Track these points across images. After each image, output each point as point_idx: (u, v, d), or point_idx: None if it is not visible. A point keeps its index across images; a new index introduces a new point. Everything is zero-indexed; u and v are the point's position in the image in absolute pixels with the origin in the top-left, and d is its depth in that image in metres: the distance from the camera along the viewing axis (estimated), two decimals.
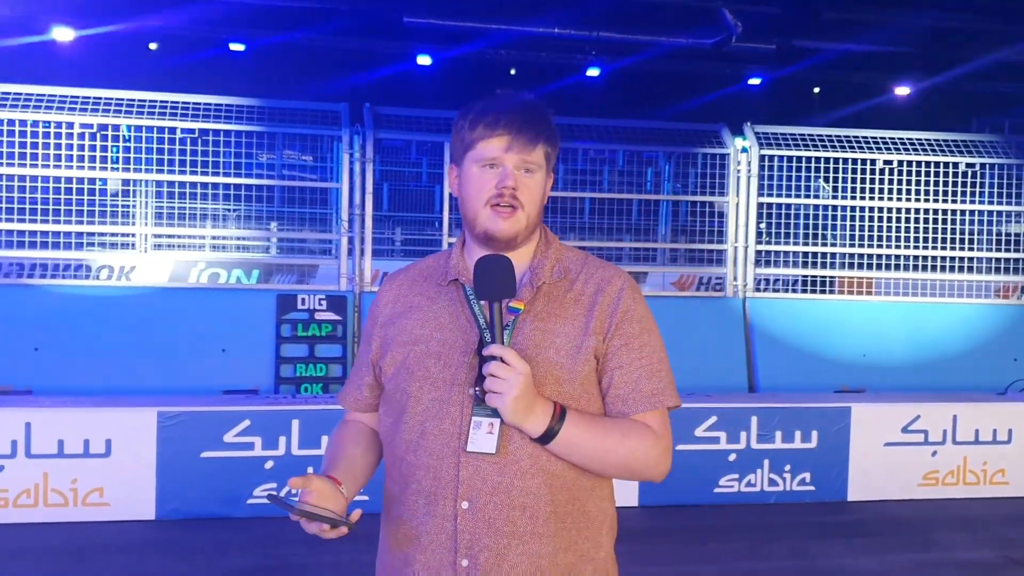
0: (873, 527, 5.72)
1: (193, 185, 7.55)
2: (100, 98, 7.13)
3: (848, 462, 6.07)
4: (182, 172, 7.28)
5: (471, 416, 1.70)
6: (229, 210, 8.23)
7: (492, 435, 1.68)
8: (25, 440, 5.12)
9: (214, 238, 8.20)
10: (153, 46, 10.96)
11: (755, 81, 11.55)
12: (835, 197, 8.27)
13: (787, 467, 6.01)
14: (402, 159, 9.55)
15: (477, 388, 1.68)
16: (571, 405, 1.70)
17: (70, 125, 6.92)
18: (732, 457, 5.95)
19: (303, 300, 6.66)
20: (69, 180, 7.03)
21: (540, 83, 10.77)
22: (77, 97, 7.12)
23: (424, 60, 11.05)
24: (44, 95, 7.10)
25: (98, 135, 7.07)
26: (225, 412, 5.32)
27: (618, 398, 1.75)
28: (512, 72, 11.57)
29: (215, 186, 7.65)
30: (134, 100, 7.19)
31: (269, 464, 5.35)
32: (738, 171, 7.99)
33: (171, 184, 7.49)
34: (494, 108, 1.76)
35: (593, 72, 11.32)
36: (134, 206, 7.97)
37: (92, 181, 7.12)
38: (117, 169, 7.34)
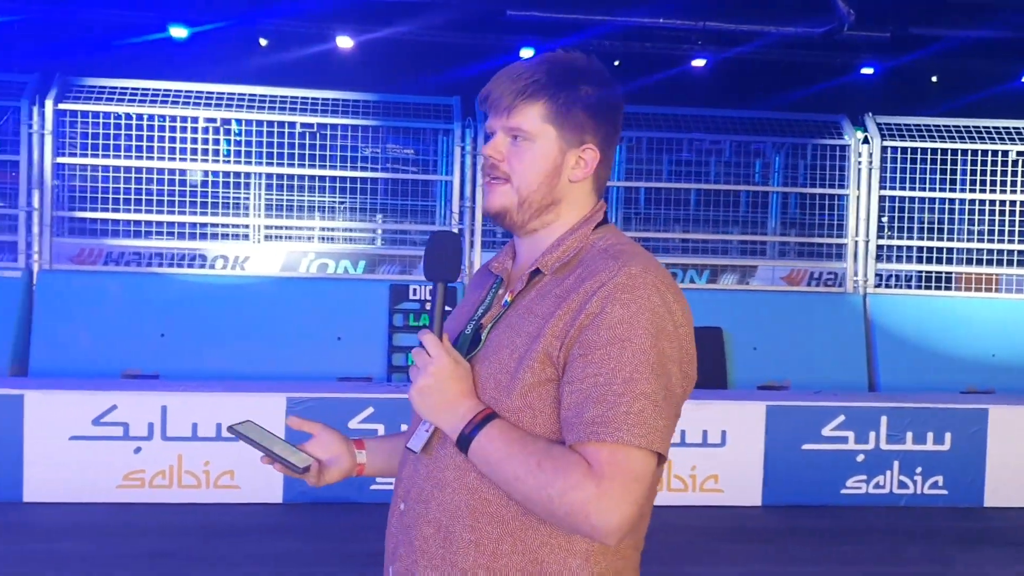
0: (1015, 535, 5.43)
1: (302, 178, 7.67)
2: (215, 93, 7.30)
3: (985, 467, 5.79)
4: (291, 165, 7.38)
5: None
6: (337, 202, 8.36)
7: (427, 433, 1.50)
8: (161, 423, 5.26)
9: (323, 229, 8.35)
10: (263, 42, 11.21)
11: (868, 71, 11.14)
12: (961, 190, 7.92)
13: (918, 469, 5.76)
14: None
15: None
16: (509, 419, 1.42)
17: (185, 119, 7.08)
18: (860, 458, 5.74)
19: (415, 290, 6.68)
20: (185, 172, 7.20)
21: (645, 74, 10.62)
22: (192, 91, 7.29)
23: (527, 53, 11.00)
24: (161, 90, 7.28)
25: (210, 129, 7.23)
26: (350, 399, 5.37)
27: (564, 422, 1.39)
28: (616, 63, 11.43)
29: (323, 179, 7.75)
30: (245, 95, 7.33)
31: None
32: (859, 163, 7.70)
33: (281, 177, 7.63)
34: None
35: (699, 63, 11.08)
36: (247, 198, 8.16)
37: (207, 174, 7.29)
38: (229, 162, 7.48)
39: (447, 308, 1.54)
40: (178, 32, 9.75)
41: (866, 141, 7.68)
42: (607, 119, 1.54)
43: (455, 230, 7.08)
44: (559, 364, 1.41)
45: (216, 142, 7.36)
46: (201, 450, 5.27)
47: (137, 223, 7.19)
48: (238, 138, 7.50)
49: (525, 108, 1.49)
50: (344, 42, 10.10)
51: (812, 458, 5.67)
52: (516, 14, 9.62)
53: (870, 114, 7.88)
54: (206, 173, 7.36)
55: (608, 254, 1.47)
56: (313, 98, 7.43)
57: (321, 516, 5.24)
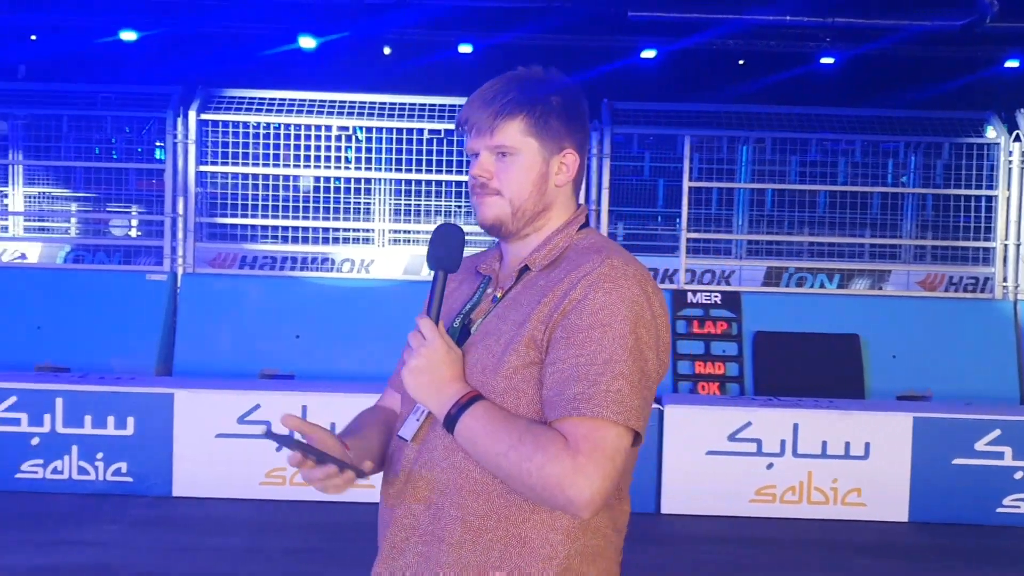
0: None
1: (425, 183, 7.77)
2: (342, 102, 7.44)
3: None
4: (418, 171, 7.48)
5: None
6: (455, 206, 8.45)
7: (418, 422, 1.57)
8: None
9: None
10: (387, 51, 11.47)
11: (1012, 64, 10.56)
12: None
13: None
14: (622, 153, 9.44)
15: None
16: (494, 400, 1.50)
17: (311, 128, 7.25)
18: (1019, 475, 5.40)
19: None
20: (316, 179, 7.38)
21: (771, 72, 10.36)
22: (321, 100, 7.44)
23: (649, 54, 10.89)
24: (293, 100, 7.45)
25: (342, 136, 7.38)
26: None
27: (545, 401, 1.48)
28: (741, 63, 11.18)
29: (444, 183, 7.83)
30: (374, 103, 7.45)
31: None
32: (1009, 162, 7.28)
33: (406, 183, 7.76)
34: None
35: (827, 60, 10.73)
36: (372, 204, 8.33)
37: (335, 180, 7.45)
38: (360, 168, 7.63)
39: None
40: (307, 43, 10.09)
41: (1017, 139, 7.25)
42: (579, 123, 1.65)
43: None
44: (542, 347, 1.50)
45: (343, 149, 7.53)
46: None
47: (272, 228, 7.40)
48: (364, 144, 7.65)
49: (505, 126, 1.58)
50: (465, 48, 10.25)
51: (964, 474, 5.38)
52: (638, 15, 9.52)
53: (1021, 111, 7.42)
54: (332, 179, 7.54)
55: (592, 249, 1.57)
56: (440, 104, 7.50)
57: None
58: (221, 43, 10.32)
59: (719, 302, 6.61)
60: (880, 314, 7.20)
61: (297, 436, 1.53)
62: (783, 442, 5.41)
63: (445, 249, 1.60)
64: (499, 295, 1.61)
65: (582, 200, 1.73)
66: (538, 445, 1.41)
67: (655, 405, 5.45)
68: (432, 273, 1.61)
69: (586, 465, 1.40)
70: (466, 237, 1.64)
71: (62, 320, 6.61)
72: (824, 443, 5.40)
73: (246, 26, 9.87)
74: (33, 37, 12.36)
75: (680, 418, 5.42)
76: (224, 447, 5.34)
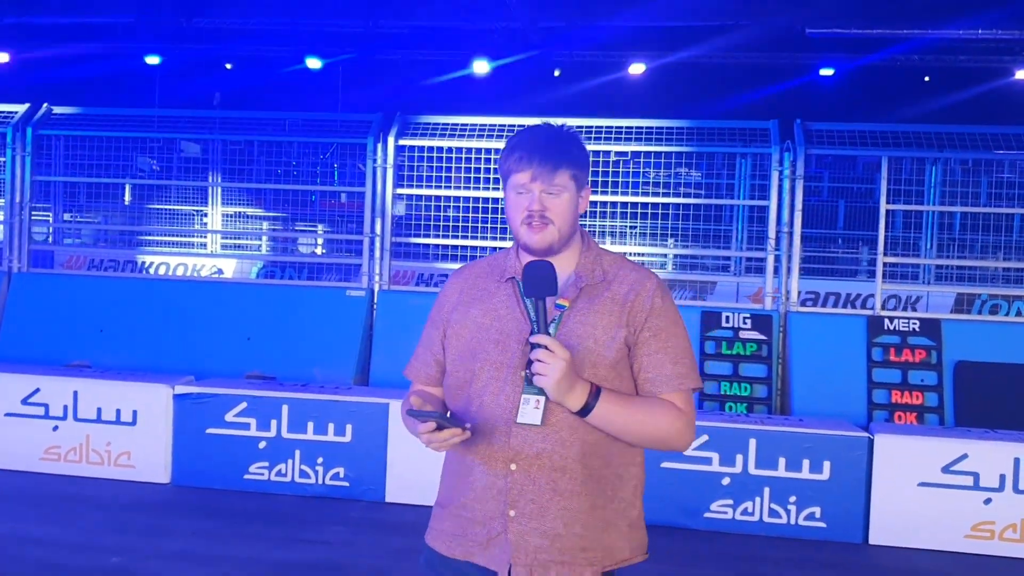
0: None
1: (593, 204, 7.81)
2: (515, 125, 7.53)
3: None
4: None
5: (522, 394, 2.05)
6: (628, 227, 8.44)
7: (538, 410, 2.03)
8: None
9: None
10: (557, 73, 11.65)
11: None
12: None
13: None
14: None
15: (527, 371, 2.01)
16: (605, 385, 2.03)
17: (487, 151, 7.38)
18: None
19: (727, 318, 6.56)
20: (487, 201, 7.51)
21: (958, 89, 9.83)
22: (495, 124, 7.52)
23: (827, 72, 10.59)
24: (470, 124, 7.57)
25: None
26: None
27: (647, 380, 2.07)
28: (926, 79, 10.69)
29: (614, 204, 7.85)
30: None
31: (726, 480, 5.32)
32: None
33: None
34: (520, 145, 2.11)
35: (1023, 75, 10.13)
36: None
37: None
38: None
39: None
40: (481, 66, 10.40)
41: None
42: (588, 167, 2.17)
43: (770, 254, 6.84)
44: (632, 344, 2.07)
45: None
46: None
47: (449, 247, 7.60)
48: None
49: (561, 173, 2.08)
50: (636, 68, 10.27)
51: None
52: (816, 32, 9.29)
53: None
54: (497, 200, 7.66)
55: (625, 265, 2.16)
56: (609, 127, 7.48)
57: (659, 539, 5.25)
58: (403, 70, 10.77)
59: (917, 329, 6.32)
60: None
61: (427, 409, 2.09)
62: (1003, 476, 5.10)
63: (544, 281, 2.03)
64: (565, 304, 2.08)
65: None
66: (664, 411, 2.04)
67: (864, 433, 5.36)
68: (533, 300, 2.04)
69: (692, 420, 2.08)
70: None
71: (268, 332, 7.03)
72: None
73: (425, 53, 10.26)
74: (228, 66, 13.29)
75: (891, 448, 5.23)
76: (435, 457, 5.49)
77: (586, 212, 2.24)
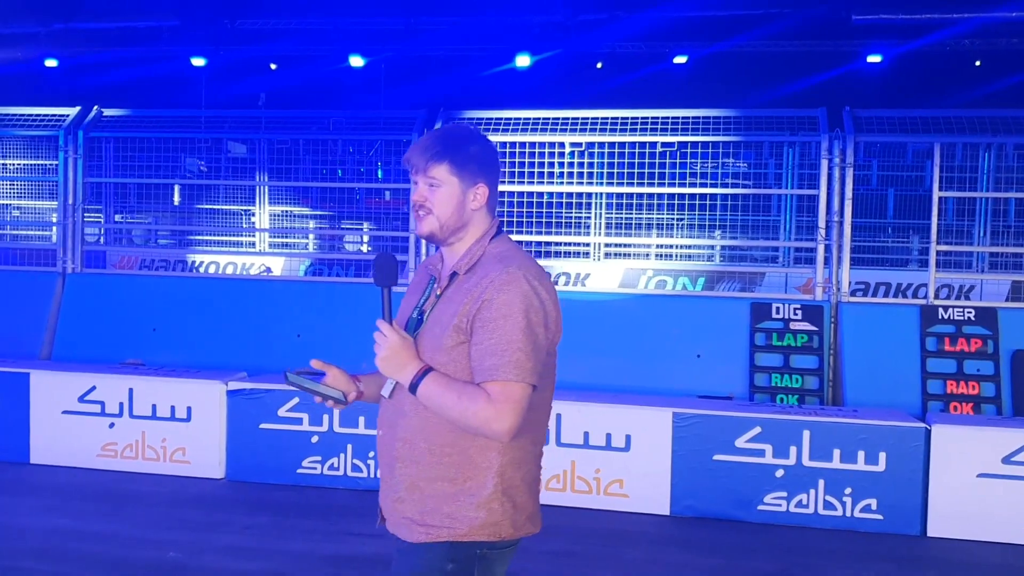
0: None
1: (640, 196, 7.75)
2: (566, 118, 7.51)
3: None
4: (630, 184, 7.43)
5: None
6: (675, 219, 8.36)
7: (389, 385, 2.29)
8: (556, 430, 5.56)
9: (659, 247, 8.37)
10: (599, 65, 11.60)
11: None
12: None
13: None
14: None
15: None
16: (440, 369, 2.19)
17: (542, 145, 7.36)
18: None
19: (778, 309, 6.47)
20: (531, 195, 7.51)
21: (1011, 73, 9.59)
22: (537, 118, 7.52)
23: (875, 58, 10.40)
24: (511, 118, 7.57)
25: (554, 153, 7.45)
26: (737, 418, 5.35)
27: (473, 369, 2.17)
28: (977, 64, 10.45)
29: (660, 196, 7.78)
30: (597, 118, 7.45)
31: (780, 472, 5.27)
32: None
33: (621, 196, 7.77)
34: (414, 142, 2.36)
35: None
36: (589, 217, 8.39)
37: (551, 195, 7.57)
38: (573, 183, 7.68)
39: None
40: (523, 61, 10.40)
41: None
42: (491, 165, 2.30)
43: (820, 244, 6.73)
44: (467, 333, 2.17)
45: (565, 165, 7.62)
46: (592, 457, 5.50)
47: None
48: (580, 160, 7.70)
49: (435, 167, 2.24)
50: (680, 59, 10.20)
51: None
52: (862, 18, 9.12)
53: None
54: (551, 195, 7.64)
55: (497, 259, 2.23)
56: (654, 117, 7.42)
57: (708, 531, 5.17)
58: (445, 66, 10.81)
59: (972, 318, 6.18)
60: None
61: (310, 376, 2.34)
62: None
63: (387, 273, 2.29)
64: (439, 292, 2.28)
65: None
66: (472, 399, 2.12)
67: (921, 424, 5.29)
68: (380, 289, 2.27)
69: (501, 410, 2.11)
70: None
71: (316, 328, 7.09)
72: None
73: (468, 49, 10.27)
74: (273, 66, 13.44)
75: (949, 438, 5.13)
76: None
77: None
